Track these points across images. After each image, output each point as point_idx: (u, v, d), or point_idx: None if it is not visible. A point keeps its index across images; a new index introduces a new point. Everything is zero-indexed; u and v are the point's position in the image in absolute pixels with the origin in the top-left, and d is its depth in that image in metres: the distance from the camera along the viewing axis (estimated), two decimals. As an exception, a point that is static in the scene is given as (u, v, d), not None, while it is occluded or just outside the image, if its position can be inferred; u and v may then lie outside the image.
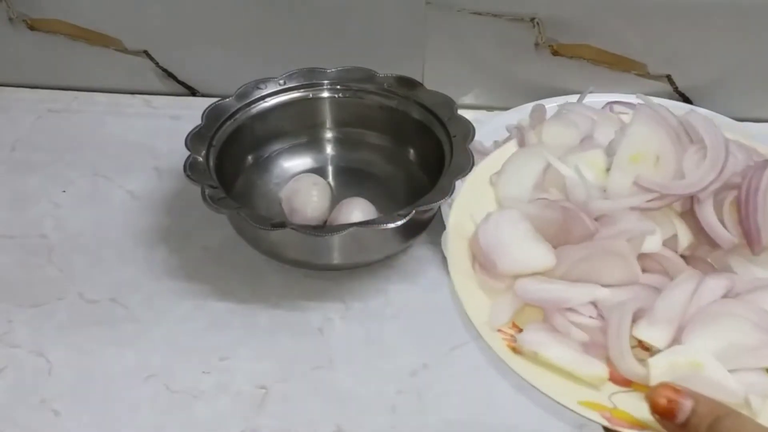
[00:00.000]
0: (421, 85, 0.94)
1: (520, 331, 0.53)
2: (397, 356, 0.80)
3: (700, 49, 1.01)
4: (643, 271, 0.56)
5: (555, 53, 1.03)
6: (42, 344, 0.81)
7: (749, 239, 0.57)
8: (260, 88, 0.93)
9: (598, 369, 0.52)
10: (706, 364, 0.51)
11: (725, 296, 0.55)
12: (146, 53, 1.08)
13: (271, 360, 0.80)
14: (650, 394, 0.47)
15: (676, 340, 0.52)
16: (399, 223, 0.78)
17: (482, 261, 0.56)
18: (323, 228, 0.85)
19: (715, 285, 0.54)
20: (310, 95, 0.95)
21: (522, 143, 0.64)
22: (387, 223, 0.79)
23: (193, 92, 1.10)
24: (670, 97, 1.03)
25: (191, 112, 0.93)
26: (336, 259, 0.85)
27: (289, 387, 0.78)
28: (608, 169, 0.59)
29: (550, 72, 1.04)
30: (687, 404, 0.47)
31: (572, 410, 0.49)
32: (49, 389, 0.78)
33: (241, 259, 0.88)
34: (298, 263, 0.86)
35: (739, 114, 1.00)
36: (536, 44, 1.02)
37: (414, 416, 0.76)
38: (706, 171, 0.58)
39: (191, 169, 0.83)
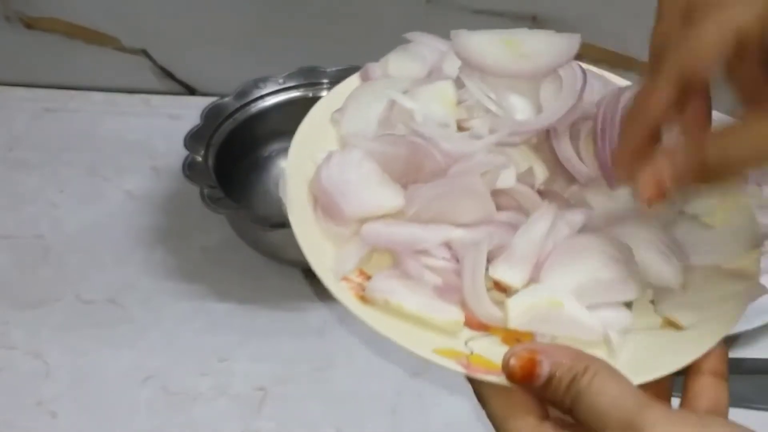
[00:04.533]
0: (421, 84, 0.93)
1: (369, 279, 0.50)
2: (397, 357, 0.79)
3: (702, 48, 1.00)
4: (498, 208, 0.53)
5: (556, 52, 1.03)
6: (39, 346, 0.81)
7: (605, 173, 0.53)
8: (259, 87, 0.93)
9: (453, 314, 0.49)
10: (564, 302, 0.49)
11: (582, 231, 0.52)
12: (144, 52, 1.07)
13: (270, 361, 0.79)
14: (505, 363, 0.45)
15: (533, 279, 0.50)
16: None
17: (325, 205, 0.51)
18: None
19: (572, 219, 0.52)
20: (310, 95, 0.94)
21: (366, 78, 0.60)
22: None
23: (191, 91, 1.10)
24: (672, 97, 1.02)
25: (190, 111, 0.93)
26: (335, 259, 0.85)
27: (288, 389, 0.78)
28: (459, 103, 0.55)
29: (551, 71, 1.03)
30: (544, 365, 0.44)
31: (428, 359, 0.47)
32: (46, 391, 0.77)
33: (240, 259, 0.88)
34: (298, 263, 0.86)
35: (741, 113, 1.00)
36: (537, 43, 1.02)
37: (414, 418, 0.75)
38: (563, 101, 0.54)
39: (190, 168, 0.83)
